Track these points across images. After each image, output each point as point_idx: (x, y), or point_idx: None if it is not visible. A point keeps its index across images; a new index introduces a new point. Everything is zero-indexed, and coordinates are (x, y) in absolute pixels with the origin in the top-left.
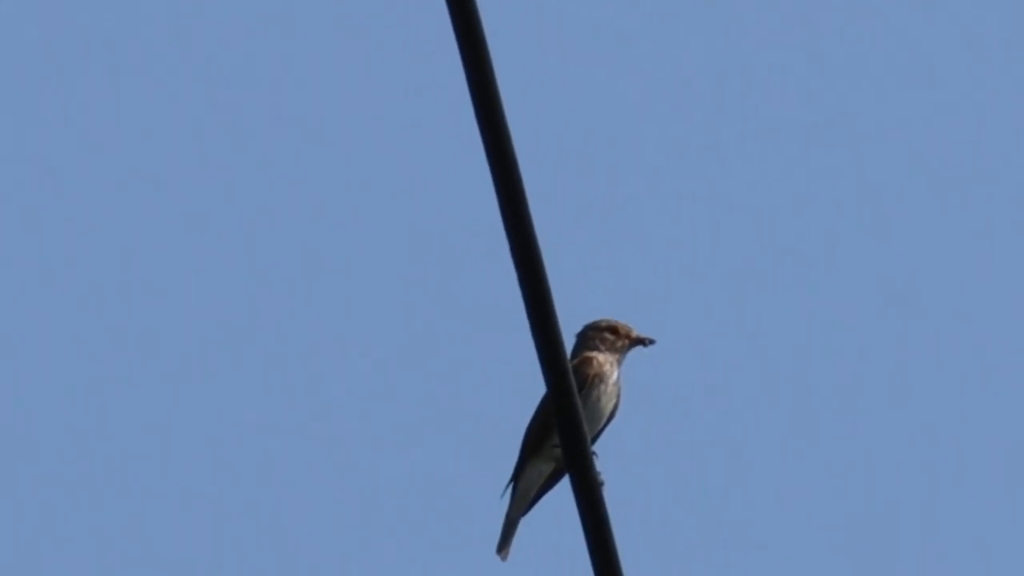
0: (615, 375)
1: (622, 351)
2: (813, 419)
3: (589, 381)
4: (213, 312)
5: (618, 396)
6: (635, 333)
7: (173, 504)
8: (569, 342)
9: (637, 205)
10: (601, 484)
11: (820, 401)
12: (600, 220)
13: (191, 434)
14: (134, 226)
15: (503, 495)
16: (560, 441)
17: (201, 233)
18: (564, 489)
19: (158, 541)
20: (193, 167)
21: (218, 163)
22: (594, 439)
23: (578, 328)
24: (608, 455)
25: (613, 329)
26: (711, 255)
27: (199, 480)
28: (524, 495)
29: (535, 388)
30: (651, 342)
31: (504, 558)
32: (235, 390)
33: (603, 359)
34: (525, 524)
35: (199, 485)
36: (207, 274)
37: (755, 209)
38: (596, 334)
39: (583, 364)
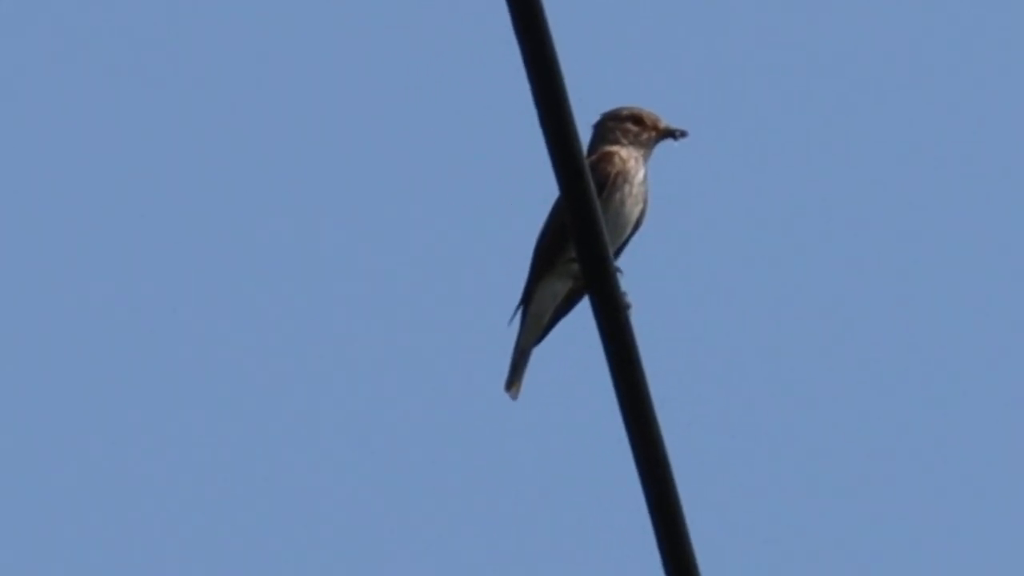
0: (641, 174)
1: (648, 145)
2: (870, 222)
3: (611, 181)
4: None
5: (645, 200)
6: (663, 123)
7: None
8: (585, 135)
9: None
10: (627, 307)
11: (875, 196)
12: None
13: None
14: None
15: (511, 321)
16: (577, 255)
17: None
18: (583, 313)
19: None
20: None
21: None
22: (618, 252)
23: (595, 118)
24: (635, 272)
25: (637, 118)
26: (757, 34)
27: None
28: (536, 321)
29: (546, 191)
30: (683, 134)
31: (514, 396)
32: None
33: (626, 155)
34: (537, 355)
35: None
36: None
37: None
38: (617, 125)
39: (602, 161)
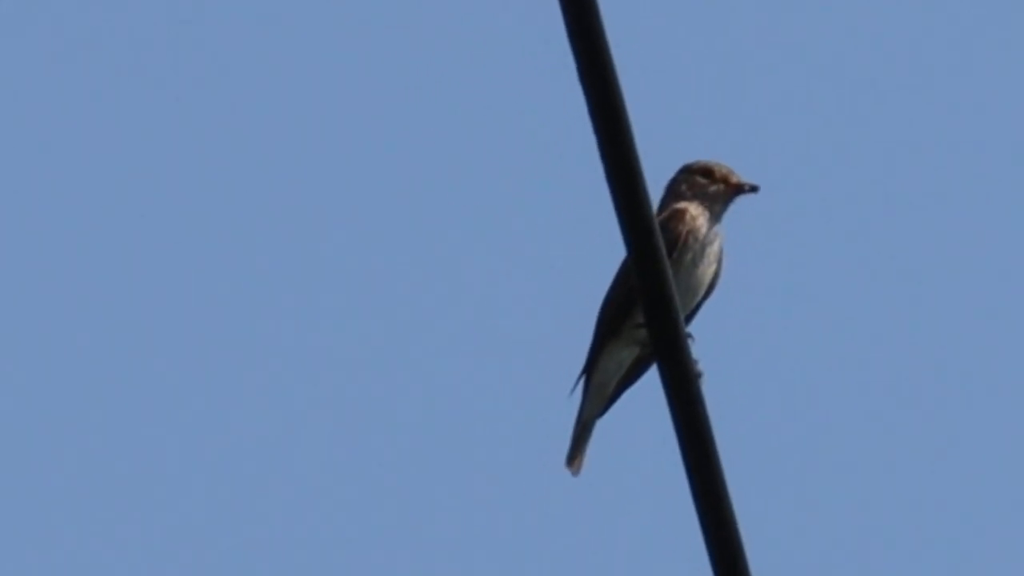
0: (713, 232)
1: (719, 200)
2: (957, 292)
3: (681, 240)
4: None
5: (719, 261)
6: (735, 177)
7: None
8: (657, 191)
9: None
10: (699, 376)
11: (963, 267)
12: (704, 33)
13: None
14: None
15: (573, 392)
16: (645, 320)
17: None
18: (651, 383)
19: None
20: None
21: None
22: (689, 317)
23: (669, 174)
24: (707, 338)
25: (707, 171)
26: (840, 80)
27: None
28: (600, 391)
29: (613, 252)
30: (752, 189)
31: (576, 472)
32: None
33: (697, 212)
34: (601, 428)
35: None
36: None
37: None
38: (687, 179)
39: (673, 219)
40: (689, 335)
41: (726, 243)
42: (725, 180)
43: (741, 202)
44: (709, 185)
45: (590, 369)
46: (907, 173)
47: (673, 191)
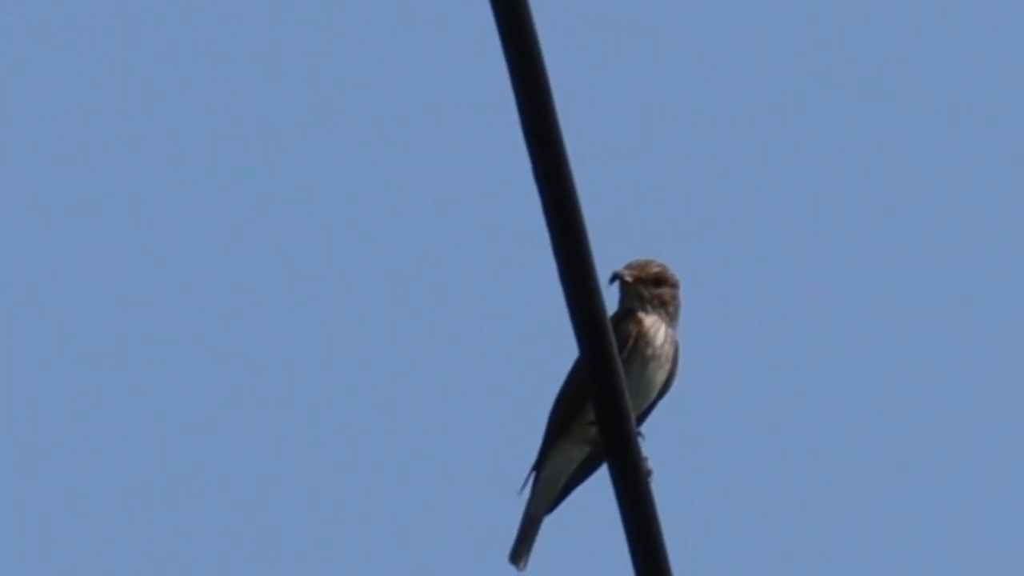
0: (665, 335)
1: (671, 303)
2: (905, 392)
3: (632, 341)
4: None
5: (674, 363)
6: (652, 270)
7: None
8: (609, 291)
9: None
10: (649, 474)
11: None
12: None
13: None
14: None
15: (523, 489)
16: (596, 418)
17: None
18: (601, 481)
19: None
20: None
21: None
22: (641, 417)
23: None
24: (657, 437)
25: (661, 279)
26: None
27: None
28: (549, 488)
29: (566, 350)
30: (618, 277)
31: (521, 567)
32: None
33: (649, 313)
34: (549, 524)
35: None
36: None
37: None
38: (639, 282)
39: (625, 320)
40: (640, 434)
41: (683, 345)
42: (676, 285)
43: (699, 303)
44: (663, 292)
45: (540, 465)
46: (852, 262)
47: (627, 293)
